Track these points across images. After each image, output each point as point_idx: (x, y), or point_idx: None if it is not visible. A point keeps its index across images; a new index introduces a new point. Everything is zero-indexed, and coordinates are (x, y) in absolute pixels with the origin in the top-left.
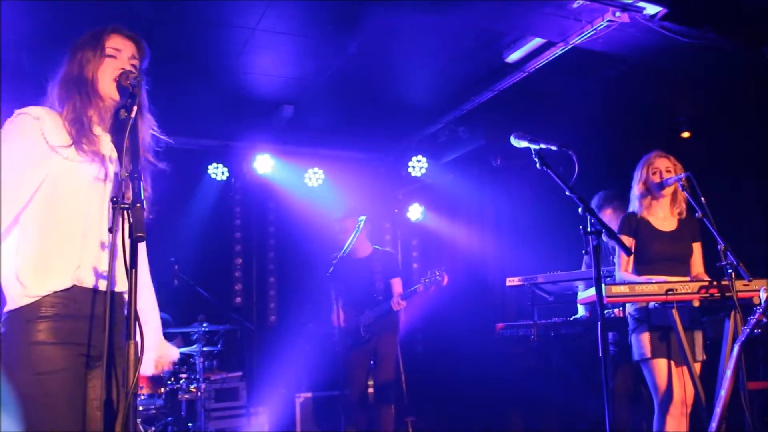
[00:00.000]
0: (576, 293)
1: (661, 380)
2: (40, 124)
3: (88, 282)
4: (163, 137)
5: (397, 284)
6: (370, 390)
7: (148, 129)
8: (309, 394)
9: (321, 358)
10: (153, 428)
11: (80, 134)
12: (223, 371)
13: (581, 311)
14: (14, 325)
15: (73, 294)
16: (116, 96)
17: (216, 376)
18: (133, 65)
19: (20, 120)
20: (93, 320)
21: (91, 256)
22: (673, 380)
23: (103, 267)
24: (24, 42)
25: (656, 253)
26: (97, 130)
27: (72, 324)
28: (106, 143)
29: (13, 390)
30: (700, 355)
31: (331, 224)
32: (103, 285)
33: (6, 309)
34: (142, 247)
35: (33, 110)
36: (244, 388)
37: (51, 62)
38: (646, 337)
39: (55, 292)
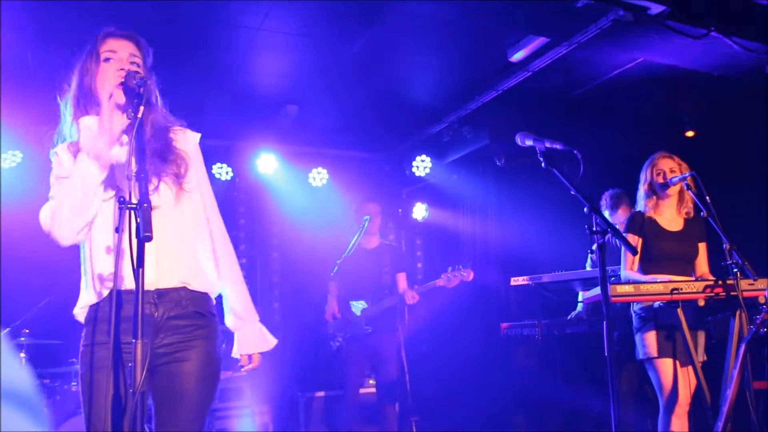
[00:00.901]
0: (577, 292)
1: (667, 380)
2: (56, 159)
3: (125, 285)
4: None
5: (402, 279)
6: (371, 389)
7: (160, 115)
8: (313, 394)
9: (324, 357)
10: None
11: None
12: (227, 371)
13: (579, 308)
14: (84, 328)
15: (110, 299)
16: (122, 99)
17: (220, 376)
18: (134, 63)
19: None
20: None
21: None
22: (679, 380)
23: (155, 264)
24: (28, 43)
25: (662, 252)
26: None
27: (123, 325)
28: (120, 148)
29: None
30: (701, 356)
31: (353, 217)
32: (163, 282)
33: None
34: (227, 251)
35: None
36: (248, 387)
37: (54, 63)
38: (651, 336)
39: (93, 303)
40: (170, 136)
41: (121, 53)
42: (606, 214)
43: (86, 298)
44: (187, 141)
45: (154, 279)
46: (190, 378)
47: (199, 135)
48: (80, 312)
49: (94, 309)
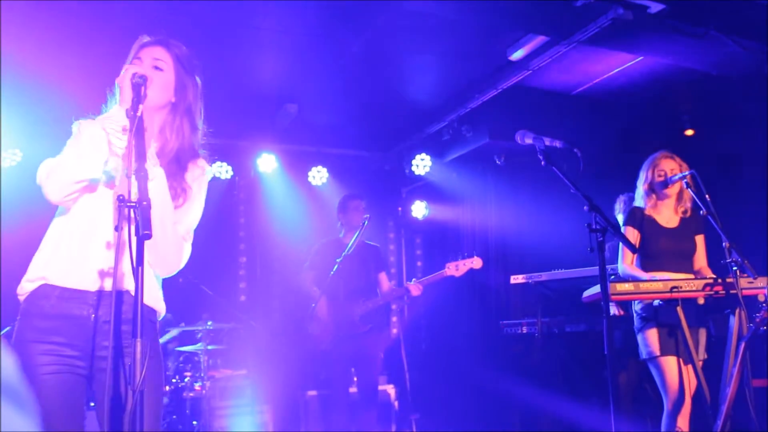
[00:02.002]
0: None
1: (672, 378)
2: (77, 128)
3: (72, 283)
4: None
5: (385, 279)
6: (353, 389)
7: (190, 127)
8: (314, 392)
9: (325, 356)
10: None
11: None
12: (228, 369)
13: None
14: (18, 318)
15: (51, 293)
16: (129, 99)
17: (220, 374)
18: (156, 67)
19: None
20: (78, 320)
21: (93, 255)
22: (684, 378)
23: (106, 266)
24: (31, 43)
25: (660, 249)
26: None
27: (54, 323)
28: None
29: None
30: (702, 354)
31: (339, 212)
32: (107, 285)
33: None
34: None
35: None
36: (248, 386)
37: (56, 63)
38: (653, 334)
39: (35, 290)
40: (188, 165)
41: (145, 58)
42: (620, 217)
43: (31, 278)
44: (201, 176)
45: (98, 280)
46: None
47: (212, 173)
48: (22, 294)
49: (30, 298)
